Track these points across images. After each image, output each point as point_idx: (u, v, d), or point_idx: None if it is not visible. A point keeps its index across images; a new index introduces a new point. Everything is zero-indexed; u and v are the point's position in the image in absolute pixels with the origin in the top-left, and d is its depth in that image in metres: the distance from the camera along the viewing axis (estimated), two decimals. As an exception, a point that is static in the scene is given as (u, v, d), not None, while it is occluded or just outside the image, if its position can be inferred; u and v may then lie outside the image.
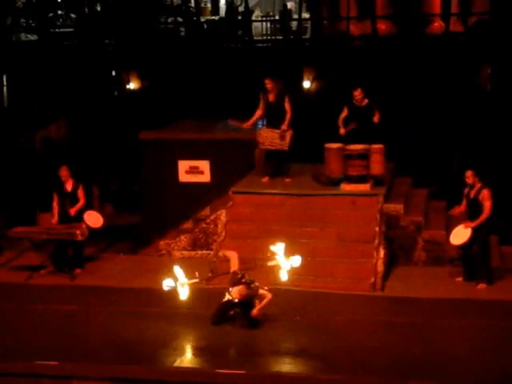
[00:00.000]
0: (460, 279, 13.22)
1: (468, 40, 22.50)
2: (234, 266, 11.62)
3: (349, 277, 13.15)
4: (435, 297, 12.58)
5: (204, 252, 14.73)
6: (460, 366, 10.28)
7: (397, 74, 21.47)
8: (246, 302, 11.39)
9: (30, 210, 17.22)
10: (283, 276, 11.47)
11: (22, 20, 25.49)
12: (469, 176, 12.95)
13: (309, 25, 25.98)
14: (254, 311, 11.40)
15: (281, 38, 25.95)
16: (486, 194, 12.87)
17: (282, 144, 14.96)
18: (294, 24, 26.39)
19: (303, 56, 23.32)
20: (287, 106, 14.95)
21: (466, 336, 11.20)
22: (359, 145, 14.52)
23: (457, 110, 20.95)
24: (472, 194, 12.99)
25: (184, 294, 11.29)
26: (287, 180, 15.21)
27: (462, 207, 13.18)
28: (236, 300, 11.39)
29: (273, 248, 11.47)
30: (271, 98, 15.03)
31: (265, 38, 26.62)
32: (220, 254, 13.07)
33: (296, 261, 11.46)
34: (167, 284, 11.31)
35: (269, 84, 14.97)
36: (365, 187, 14.49)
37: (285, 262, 11.40)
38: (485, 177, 13.07)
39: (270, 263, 11.53)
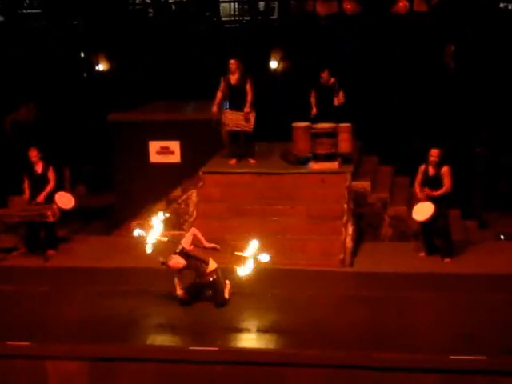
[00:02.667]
0: (423, 254, 13.47)
1: (432, 19, 22.71)
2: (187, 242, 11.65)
3: (318, 253, 13.34)
4: (402, 271, 12.81)
5: (175, 232, 14.85)
6: (427, 338, 10.54)
7: (362, 53, 21.66)
8: (214, 282, 11.62)
9: (1, 193, 17.19)
10: (245, 269, 11.57)
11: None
12: (435, 154, 13.05)
13: (276, 5, 26.09)
14: (226, 294, 11.68)
15: (248, 18, 26.04)
16: (446, 170, 13.04)
17: (247, 126, 15.00)
18: (262, 4, 26.48)
19: (271, 36, 23.44)
20: (249, 87, 14.92)
21: (433, 308, 11.50)
22: (327, 123, 14.72)
23: (421, 88, 21.17)
24: (431, 172, 13.14)
25: (149, 248, 11.52)
26: (253, 161, 15.27)
27: (417, 185, 13.31)
28: (209, 279, 11.61)
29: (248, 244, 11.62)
30: (234, 79, 14.99)
31: (233, 18, 26.70)
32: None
33: (264, 258, 11.57)
34: (138, 232, 11.56)
35: (233, 64, 14.94)
36: (333, 165, 14.65)
37: (252, 255, 11.53)
38: (445, 153, 13.25)
39: (238, 253, 11.68)
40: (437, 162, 13.08)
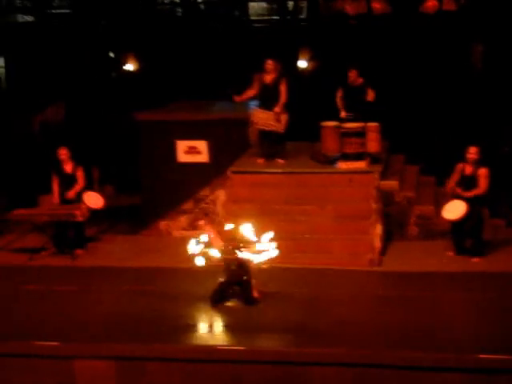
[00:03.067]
0: (451, 253, 13.33)
1: (461, 19, 22.55)
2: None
3: (347, 253, 13.31)
4: (430, 271, 12.74)
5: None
6: (455, 337, 10.42)
7: (391, 53, 21.55)
8: (243, 281, 11.60)
9: (30, 192, 17.27)
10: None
11: (18, 1, 25.50)
12: (473, 152, 12.82)
13: (305, 5, 26.02)
14: (254, 292, 11.63)
15: (277, 17, 26.00)
16: (484, 172, 12.82)
17: (277, 126, 14.92)
18: (291, 4, 26.43)
19: (299, 36, 23.38)
20: (283, 88, 14.83)
21: (461, 308, 11.45)
22: (355, 123, 14.66)
23: (448, 88, 21.04)
24: (468, 171, 12.95)
25: (200, 261, 11.49)
26: (281, 161, 15.19)
27: (452, 183, 13.10)
28: (241, 278, 11.60)
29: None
30: (268, 79, 14.93)
31: (261, 18, 26.66)
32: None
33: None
34: (192, 248, 11.53)
35: (270, 65, 14.87)
36: (361, 165, 14.63)
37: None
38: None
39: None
40: (475, 160, 12.85)
